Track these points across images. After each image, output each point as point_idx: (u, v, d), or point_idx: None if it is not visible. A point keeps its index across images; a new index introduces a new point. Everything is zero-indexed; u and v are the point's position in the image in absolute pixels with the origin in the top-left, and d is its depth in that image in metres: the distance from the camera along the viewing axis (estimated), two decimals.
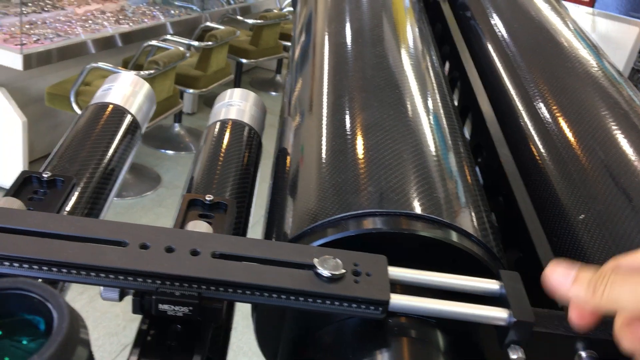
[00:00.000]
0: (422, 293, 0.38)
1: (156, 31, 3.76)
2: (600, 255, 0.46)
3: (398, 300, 0.36)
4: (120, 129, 0.59)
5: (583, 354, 0.38)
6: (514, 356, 0.36)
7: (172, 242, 0.36)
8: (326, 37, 0.73)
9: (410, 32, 0.75)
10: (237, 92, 0.68)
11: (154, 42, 3.43)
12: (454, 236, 0.42)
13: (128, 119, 0.60)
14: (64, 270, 0.34)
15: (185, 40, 3.70)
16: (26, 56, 2.84)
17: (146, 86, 0.66)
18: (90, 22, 3.50)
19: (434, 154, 0.50)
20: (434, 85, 0.64)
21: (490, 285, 0.38)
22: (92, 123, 0.58)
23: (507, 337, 0.36)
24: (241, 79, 4.88)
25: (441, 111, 0.59)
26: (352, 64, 0.63)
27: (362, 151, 0.48)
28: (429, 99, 0.60)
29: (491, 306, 0.37)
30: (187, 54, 3.35)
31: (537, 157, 0.58)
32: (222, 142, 0.59)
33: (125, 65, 3.51)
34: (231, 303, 0.45)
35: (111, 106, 0.60)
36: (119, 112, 0.60)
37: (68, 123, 3.51)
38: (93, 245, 0.35)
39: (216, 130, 0.62)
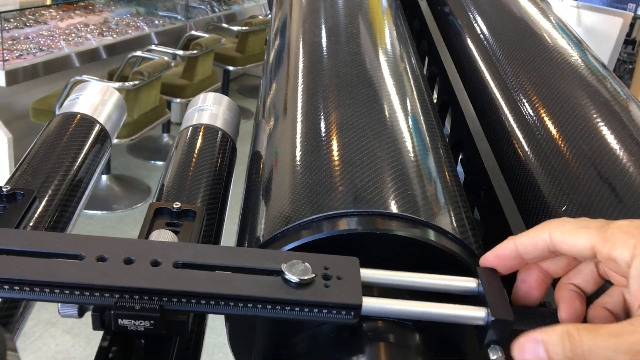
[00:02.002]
0: (400, 295, 0.36)
1: (141, 42, 3.74)
2: None
3: (371, 303, 0.34)
4: (89, 139, 0.57)
5: None
6: (493, 357, 0.34)
7: (131, 253, 0.35)
8: (299, 37, 0.71)
9: (387, 28, 0.74)
10: (210, 96, 0.66)
11: (138, 53, 3.41)
12: (430, 234, 0.40)
13: (97, 129, 0.59)
14: (16, 288, 0.33)
15: (171, 50, 3.68)
16: (9, 72, 2.82)
17: (116, 94, 0.64)
18: (73, 35, 3.48)
19: (409, 151, 0.48)
20: (411, 81, 0.62)
21: (467, 283, 0.37)
22: (58, 134, 0.56)
23: (486, 337, 0.35)
24: (229, 87, 4.86)
25: (418, 107, 0.57)
26: (324, 62, 0.62)
27: (335, 150, 0.47)
28: (405, 95, 0.58)
29: (470, 305, 0.35)
30: (172, 64, 3.34)
31: (518, 150, 0.56)
32: (194, 148, 0.58)
33: (111, 77, 3.49)
34: (202, 315, 0.43)
35: (79, 116, 0.59)
36: (87, 121, 0.58)
37: None
38: (48, 260, 0.34)
39: (188, 135, 0.60)
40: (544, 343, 0.32)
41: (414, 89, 0.61)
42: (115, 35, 3.63)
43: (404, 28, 0.80)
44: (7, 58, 2.89)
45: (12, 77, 2.86)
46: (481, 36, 0.78)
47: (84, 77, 2.98)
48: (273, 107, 0.59)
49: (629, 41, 4.48)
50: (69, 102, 0.61)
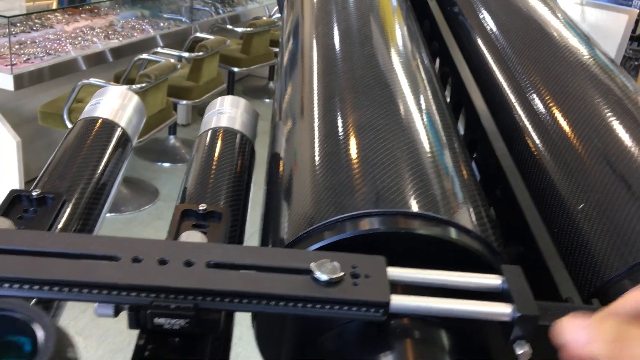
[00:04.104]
0: (423, 292, 0.37)
1: (146, 44, 3.76)
2: (602, 244, 0.45)
3: (399, 301, 0.35)
4: (111, 143, 0.58)
5: None
6: (520, 351, 0.35)
7: (165, 254, 0.36)
8: (314, 40, 0.72)
9: (399, 30, 0.75)
10: (228, 99, 0.67)
11: (144, 56, 3.43)
12: (453, 233, 0.41)
13: (118, 133, 0.60)
14: (56, 289, 0.33)
15: (176, 52, 3.69)
16: (17, 76, 2.84)
17: (135, 98, 0.65)
18: (79, 38, 3.50)
19: (428, 150, 0.49)
20: (425, 82, 0.63)
21: (492, 280, 0.38)
22: (81, 138, 0.57)
23: (512, 333, 0.35)
24: (234, 88, 4.88)
25: (433, 108, 0.58)
26: (341, 64, 0.63)
27: (355, 152, 0.48)
28: (421, 96, 0.59)
29: (494, 302, 0.36)
30: (178, 66, 3.35)
31: (533, 149, 0.57)
32: (214, 151, 0.59)
33: (117, 80, 3.51)
34: (230, 313, 0.44)
35: (100, 120, 0.60)
36: (109, 126, 0.60)
37: None
38: (84, 261, 0.35)
39: (207, 139, 0.61)
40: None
41: (429, 89, 0.62)
42: (121, 38, 3.65)
43: (416, 29, 0.81)
44: (14, 62, 2.91)
45: (20, 81, 2.88)
46: (492, 35, 0.79)
47: (91, 80, 2.99)
48: (291, 109, 0.60)
49: (634, 38, 4.48)
50: (90, 107, 0.62)
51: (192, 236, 0.41)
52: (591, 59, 0.66)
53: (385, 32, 0.72)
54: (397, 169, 0.46)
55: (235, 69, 4.66)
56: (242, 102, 0.67)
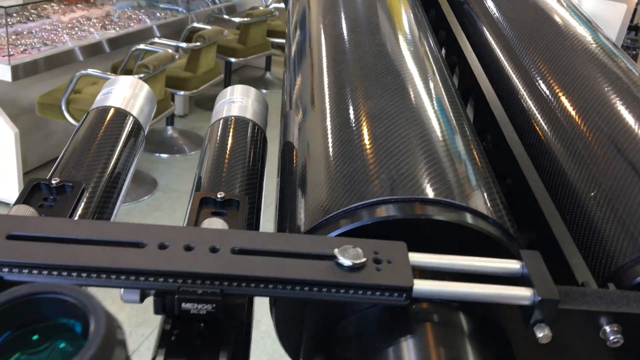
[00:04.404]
0: (440, 277, 0.38)
1: (143, 35, 3.74)
2: (615, 230, 0.45)
3: (421, 285, 0.36)
4: (124, 132, 0.58)
5: (607, 328, 0.38)
6: (540, 334, 0.36)
7: (190, 241, 0.36)
8: (323, 29, 0.72)
9: (407, 18, 0.75)
10: (238, 88, 0.68)
11: (142, 46, 3.41)
12: (472, 219, 0.41)
13: (131, 121, 0.60)
14: (84, 275, 0.34)
15: (173, 43, 3.68)
16: (14, 67, 2.83)
17: (146, 88, 0.65)
18: (76, 29, 3.48)
19: (443, 138, 0.49)
20: (435, 70, 0.63)
21: (512, 265, 0.38)
22: (95, 127, 0.57)
23: (532, 316, 0.36)
24: (231, 79, 4.86)
25: (445, 96, 0.58)
26: (352, 53, 0.63)
27: (371, 140, 0.48)
28: (432, 84, 0.59)
29: (514, 286, 0.37)
30: (176, 56, 3.34)
31: (544, 137, 0.58)
32: (227, 140, 0.59)
33: (115, 70, 3.49)
34: (250, 300, 0.44)
35: (113, 109, 0.60)
36: (121, 115, 0.60)
37: (60, 132, 3.49)
38: (111, 247, 0.35)
39: (220, 128, 0.61)
40: None
41: (439, 78, 0.62)
42: (117, 29, 3.63)
43: (423, 18, 0.81)
44: (12, 53, 2.89)
45: (17, 71, 2.86)
46: (499, 23, 0.79)
47: (89, 71, 2.98)
48: (304, 99, 0.60)
49: (632, 27, 4.48)
50: (101, 96, 0.62)
51: (214, 223, 0.41)
52: (598, 47, 0.67)
53: (394, 22, 0.73)
54: (414, 156, 0.46)
55: (232, 60, 4.65)
56: (252, 90, 0.68)
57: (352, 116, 0.52)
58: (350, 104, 0.54)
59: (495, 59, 0.73)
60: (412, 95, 0.55)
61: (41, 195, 0.45)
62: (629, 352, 0.39)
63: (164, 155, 3.91)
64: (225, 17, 4.70)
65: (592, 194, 0.50)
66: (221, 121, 0.62)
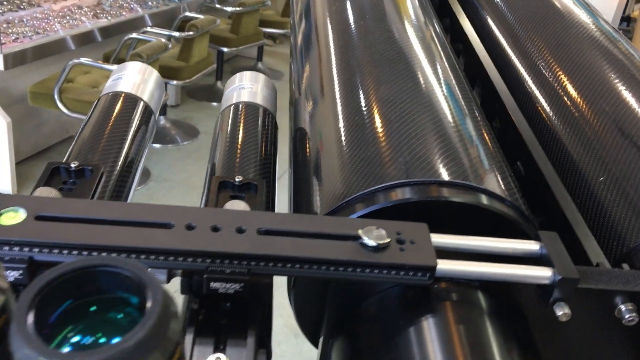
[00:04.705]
0: (458, 258, 0.39)
1: (135, 24, 3.71)
2: (627, 212, 0.46)
3: (444, 265, 0.37)
4: (136, 117, 0.58)
5: (623, 307, 0.39)
6: (560, 312, 0.37)
7: (216, 222, 0.36)
8: (330, 17, 0.73)
9: (412, 6, 0.75)
10: (247, 74, 0.68)
11: (134, 35, 3.39)
12: (489, 201, 0.42)
13: (142, 106, 0.60)
14: (114, 255, 0.34)
15: (166, 32, 3.65)
16: (6, 56, 2.80)
17: (155, 73, 0.65)
18: (68, 17, 3.45)
19: (456, 122, 0.50)
20: (443, 56, 0.64)
21: (531, 245, 0.39)
22: (107, 112, 0.57)
23: (552, 295, 0.37)
24: (223, 69, 4.84)
25: (455, 81, 0.59)
26: (362, 40, 0.63)
27: (387, 124, 0.49)
28: (442, 69, 0.60)
29: (534, 266, 0.38)
30: (169, 45, 3.32)
31: (553, 122, 0.58)
32: (239, 125, 0.59)
33: (107, 59, 3.46)
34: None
35: (124, 94, 0.60)
36: (133, 100, 0.60)
37: (52, 122, 3.46)
38: (140, 228, 0.35)
39: (231, 113, 0.61)
40: None
41: (448, 64, 0.63)
42: (109, 17, 3.60)
43: (428, 5, 0.81)
44: (3, 42, 2.86)
45: (9, 60, 2.84)
46: (503, 11, 0.80)
47: (82, 59, 2.96)
48: (315, 86, 0.61)
49: (624, 18, 4.51)
50: (112, 81, 0.62)
51: (236, 205, 0.42)
52: (601, 32, 0.67)
53: (400, 9, 0.73)
54: (429, 140, 0.47)
55: (225, 49, 4.62)
56: (261, 77, 0.68)
57: (366, 101, 0.52)
58: (364, 89, 0.54)
59: (500, 46, 0.74)
60: (424, 81, 0.56)
61: (60, 178, 0.45)
62: None
63: (157, 145, 3.89)
64: (218, 6, 4.67)
65: (602, 177, 0.50)
66: (232, 107, 0.62)
